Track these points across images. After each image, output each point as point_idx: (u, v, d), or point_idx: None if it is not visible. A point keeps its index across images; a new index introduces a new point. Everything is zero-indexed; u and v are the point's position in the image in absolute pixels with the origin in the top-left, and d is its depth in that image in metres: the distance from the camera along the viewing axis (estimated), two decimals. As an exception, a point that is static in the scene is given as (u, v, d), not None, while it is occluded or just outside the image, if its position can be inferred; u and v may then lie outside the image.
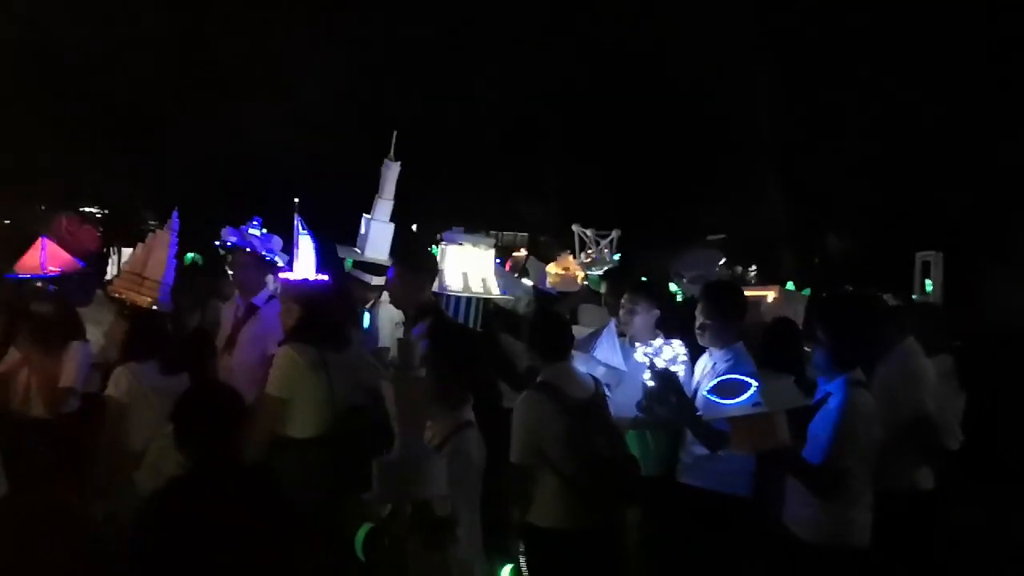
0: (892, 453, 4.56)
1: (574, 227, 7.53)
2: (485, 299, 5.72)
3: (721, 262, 8.24)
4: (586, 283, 7.82)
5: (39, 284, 5.94)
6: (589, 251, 7.52)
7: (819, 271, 17.88)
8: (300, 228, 6.38)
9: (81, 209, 14.00)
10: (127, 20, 15.47)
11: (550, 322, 4.75)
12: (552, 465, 4.27)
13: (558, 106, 20.29)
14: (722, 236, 14.55)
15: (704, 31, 18.14)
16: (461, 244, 5.63)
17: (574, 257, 8.27)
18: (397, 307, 5.21)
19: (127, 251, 10.75)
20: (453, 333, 4.41)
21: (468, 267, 5.58)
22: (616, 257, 8.08)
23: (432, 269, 5.31)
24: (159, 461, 4.54)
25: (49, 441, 4.99)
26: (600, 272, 7.00)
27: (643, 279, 6.31)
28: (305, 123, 16.26)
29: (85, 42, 14.83)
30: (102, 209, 14.59)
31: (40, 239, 6.24)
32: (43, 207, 12.15)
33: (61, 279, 6.06)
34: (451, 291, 5.62)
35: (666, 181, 19.74)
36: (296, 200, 6.70)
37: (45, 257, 6.03)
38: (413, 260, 5.18)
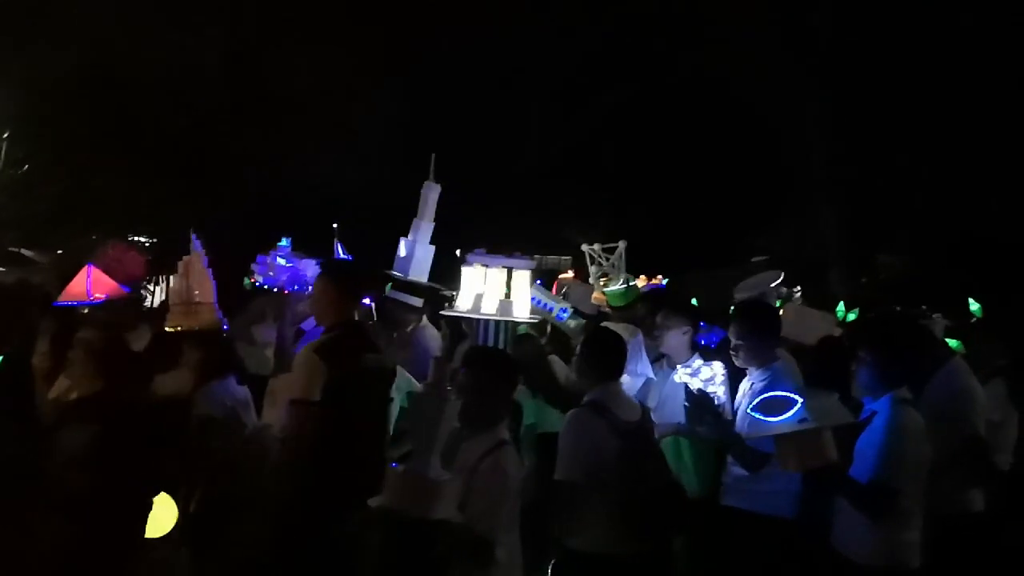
0: (942, 474, 4.48)
1: (584, 247, 7.39)
2: (515, 322, 5.63)
3: (777, 281, 8.11)
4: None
5: (86, 311, 5.99)
6: (600, 268, 7.37)
7: (867, 291, 17.61)
8: (340, 252, 6.44)
9: (132, 238, 14.25)
10: (178, 53, 15.81)
11: (600, 341, 4.70)
12: (599, 488, 4.15)
13: (605, 129, 20.29)
14: (765, 258, 14.39)
15: (751, 54, 18.10)
16: (474, 266, 5.55)
17: (580, 276, 8.20)
18: (317, 319, 4.99)
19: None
20: (487, 355, 4.40)
21: (486, 288, 5.48)
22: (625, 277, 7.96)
23: (360, 289, 5.04)
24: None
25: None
26: (618, 288, 6.91)
27: (676, 299, 6.27)
28: (352, 150, 16.46)
29: (138, 74, 15.16)
30: (151, 238, 14.84)
31: (86, 266, 6.31)
32: (94, 236, 12.38)
33: (106, 305, 6.12)
34: (458, 312, 5.57)
35: (713, 202, 19.64)
36: (335, 225, 6.75)
37: (90, 284, 6.07)
38: (342, 278, 4.87)
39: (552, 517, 4.22)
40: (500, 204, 18.83)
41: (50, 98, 14.01)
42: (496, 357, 4.28)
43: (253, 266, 6.27)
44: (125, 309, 6.15)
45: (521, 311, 5.52)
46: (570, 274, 9.60)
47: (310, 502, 4.19)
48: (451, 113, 18.19)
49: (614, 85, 19.78)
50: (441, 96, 18.81)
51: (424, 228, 6.20)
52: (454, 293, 5.97)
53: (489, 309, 5.40)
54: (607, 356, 4.50)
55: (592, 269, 7.69)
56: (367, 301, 6.30)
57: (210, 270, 5.73)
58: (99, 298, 6.01)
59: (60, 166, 15.06)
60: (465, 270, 5.56)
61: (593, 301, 7.45)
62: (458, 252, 6.13)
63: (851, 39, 17.51)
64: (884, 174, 17.77)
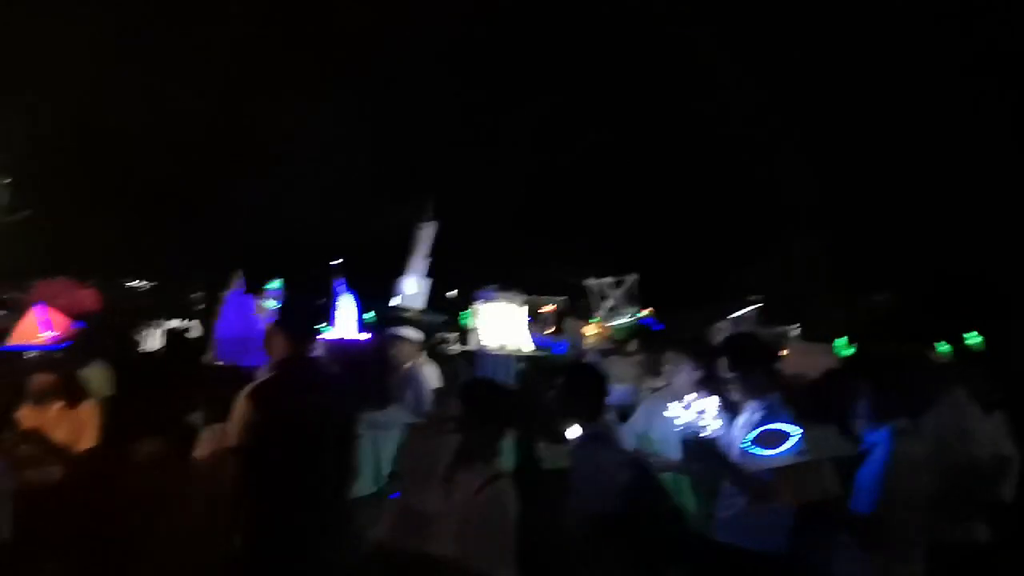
0: (944, 505, 4.44)
1: (591, 281, 7.46)
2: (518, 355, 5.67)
3: (744, 312, 8.16)
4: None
5: (36, 354, 5.77)
6: (608, 303, 7.44)
7: (865, 327, 17.61)
8: (341, 289, 6.49)
9: (127, 284, 14.29)
10: (171, 105, 15.97)
11: (586, 377, 4.70)
12: (612, 521, 4.12)
13: (598, 169, 20.37)
14: (759, 296, 14.43)
15: (747, 94, 18.30)
16: (495, 302, 5.58)
17: (591, 312, 8.23)
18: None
19: (172, 322, 10.90)
20: (483, 389, 4.36)
21: (503, 324, 5.51)
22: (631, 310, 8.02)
23: (302, 326, 4.70)
24: None
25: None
26: (626, 322, 6.96)
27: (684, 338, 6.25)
28: (346, 190, 16.59)
29: (133, 127, 15.30)
30: (149, 282, 14.90)
31: (33, 307, 6.16)
32: (89, 283, 12.43)
33: (63, 345, 5.93)
34: (489, 349, 5.57)
35: (709, 242, 19.69)
36: (337, 262, 6.79)
37: (41, 324, 5.89)
38: (281, 316, 4.72)
39: (570, 556, 4.15)
40: (487, 243, 18.89)
41: (46, 148, 14.13)
42: (493, 391, 4.27)
43: None
44: (80, 346, 5.95)
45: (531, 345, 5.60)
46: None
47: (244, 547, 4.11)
48: (437, 154, 18.34)
49: (608, 122, 19.93)
50: (427, 141, 18.98)
51: (422, 264, 6.34)
52: (458, 329, 6.02)
53: (512, 345, 5.44)
54: (596, 391, 4.50)
55: (604, 303, 7.72)
56: (366, 336, 6.29)
57: (235, 308, 5.69)
58: (53, 337, 5.84)
59: (57, 214, 15.17)
60: (485, 307, 5.59)
61: (587, 335, 7.49)
62: (456, 291, 6.24)
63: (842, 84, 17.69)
64: (877, 213, 17.87)
